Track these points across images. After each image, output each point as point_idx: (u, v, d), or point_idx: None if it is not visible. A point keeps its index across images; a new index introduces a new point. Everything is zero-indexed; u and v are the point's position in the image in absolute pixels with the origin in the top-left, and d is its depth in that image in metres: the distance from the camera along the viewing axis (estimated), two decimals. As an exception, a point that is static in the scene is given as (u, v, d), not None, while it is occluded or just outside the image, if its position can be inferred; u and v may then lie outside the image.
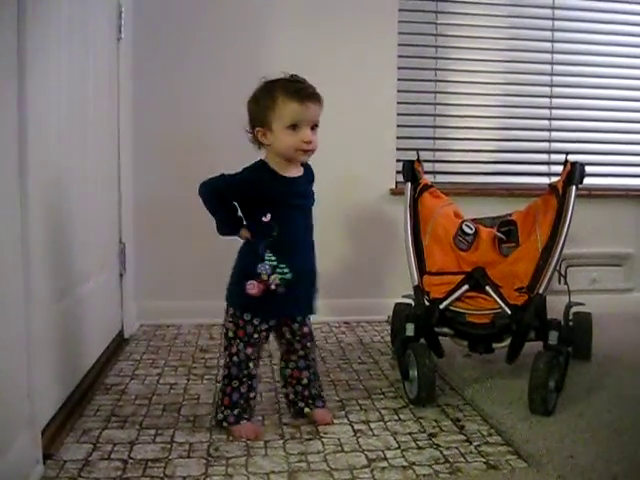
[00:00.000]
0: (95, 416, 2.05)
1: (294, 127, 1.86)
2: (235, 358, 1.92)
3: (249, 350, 1.92)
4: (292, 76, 1.92)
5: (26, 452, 1.59)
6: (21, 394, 1.59)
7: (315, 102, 1.89)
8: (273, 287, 1.88)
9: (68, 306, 2.13)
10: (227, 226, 1.97)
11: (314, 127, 1.90)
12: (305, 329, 2.02)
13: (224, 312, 1.97)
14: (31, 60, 1.61)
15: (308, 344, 2.03)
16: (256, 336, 1.92)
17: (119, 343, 2.88)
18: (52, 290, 1.96)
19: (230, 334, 1.93)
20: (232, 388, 1.92)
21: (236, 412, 1.92)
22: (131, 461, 1.73)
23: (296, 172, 1.96)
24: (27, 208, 1.59)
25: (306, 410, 2.03)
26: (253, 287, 1.87)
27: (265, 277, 1.87)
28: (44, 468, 1.66)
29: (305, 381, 2.03)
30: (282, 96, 1.85)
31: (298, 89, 1.87)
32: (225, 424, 1.92)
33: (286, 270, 1.89)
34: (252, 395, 1.95)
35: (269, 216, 1.89)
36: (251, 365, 1.93)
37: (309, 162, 2.02)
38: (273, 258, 1.88)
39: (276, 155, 1.91)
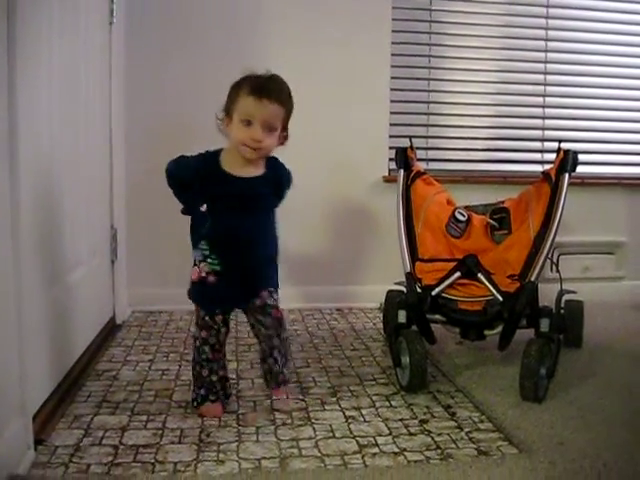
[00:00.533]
0: (86, 402, 2.04)
1: (248, 123, 1.86)
2: (197, 342, 1.98)
3: (203, 333, 1.96)
4: (272, 76, 1.92)
5: (17, 438, 1.58)
6: (12, 380, 1.58)
7: (274, 102, 1.86)
8: (203, 274, 1.92)
9: (59, 293, 2.13)
10: (184, 207, 1.98)
11: (272, 129, 1.88)
12: (268, 320, 1.97)
13: None
14: (21, 44, 1.59)
15: (270, 331, 1.98)
16: (207, 319, 1.94)
17: (111, 329, 2.87)
18: (43, 277, 1.95)
19: (194, 318, 2.01)
20: (196, 371, 1.98)
21: (202, 393, 1.97)
22: (122, 447, 1.73)
23: (251, 171, 1.93)
24: (17, 194, 1.57)
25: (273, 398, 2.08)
26: (194, 273, 1.94)
27: (197, 263, 1.93)
28: (35, 454, 1.66)
29: (266, 366, 2.03)
30: (244, 89, 1.87)
31: (261, 86, 1.86)
32: (195, 404, 1.98)
33: (216, 262, 1.91)
34: (214, 378, 1.97)
35: (205, 207, 1.91)
36: (207, 349, 1.96)
37: (286, 164, 2.02)
38: (206, 247, 1.92)
39: (233, 147, 1.92)
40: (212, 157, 1.93)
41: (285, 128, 1.95)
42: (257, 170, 1.95)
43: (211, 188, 1.90)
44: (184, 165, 1.94)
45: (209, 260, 1.91)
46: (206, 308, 1.95)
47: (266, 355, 2.01)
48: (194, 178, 1.91)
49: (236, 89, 1.89)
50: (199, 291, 1.95)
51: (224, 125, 1.94)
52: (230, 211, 1.91)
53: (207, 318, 1.94)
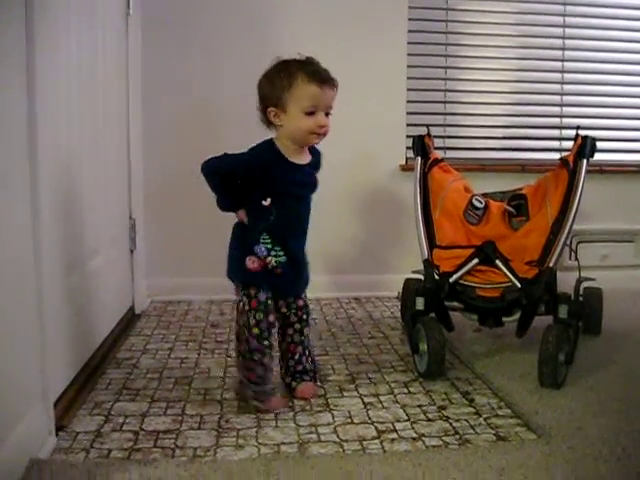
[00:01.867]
0: (107, 389, 2.06)
1: (310, 112, 1.84)
2: (255, 330, 1.87)
3: (271, 317, 1.90)
4: (308, 58, 1.89)
5: (39, 424, 1.61)
6: (33, 367, 1.60)
7: (332, 87, 1.88)
8: (270, 267, 1.89)
9: (79, 282, 2.15)
10: (226, 204, 1.96)
11: (329, 112, 1.89)
12: (300, 302, 2.03)
13: (234, 289, 1.97)
14: (39, 38, 1.61)
15: (304, 316, 2.04)
16: (270, 303, 1.91)
17: (130, 319, 2.90)
18: (63, 266, 1.97)
19: (246, 307, 1.89)
20: (254, 361, 1.88)
21: (268, 388, 1.91)
22: (142, 432, 1.75)
23: (304, 158, 1.95)
24: (37, 184, 1.60)
25: (293, 384, 2.04)
26: (253, 262, 1.89)
27: (262, 257, 1.89)
28: (57, 439, 1.68)
29: (297, 356, 2.04)
30: (302, 78, 1.83)
31: (317, 72, 1.85)
32: (257, 403, 1.90)
33: (280, 253, 1.90)
34: (272, 366, 1.95)
35: (269, 200, 1.88)
36: (272, 333, 1.91)
37: (319, 148, 2.01)
38: (268, 241, 1.89)
39: (287, 137, 1.89)
40: (269, 148, 1.90)
41: None
42: (308, 156, 1.96)
43: (277, 179, 1.88)
44: (236, 162, 1.89)
45: (273, 253, 1.89)
46: (272, 295, 1.93)
47: (294, 346, 2.04)
48: (254, 171, 1.87)
49: (286, 78, 1.84)
50: (265, 280, 1.90)
51: (273, 117, 1.88)
52: (294, 200, 1.93)
53: (270, 302, 1.91)
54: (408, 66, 3.40)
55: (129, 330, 2.73)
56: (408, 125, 3.40)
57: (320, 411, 1.91)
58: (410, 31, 3.39)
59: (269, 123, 1.91)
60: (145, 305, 3.13)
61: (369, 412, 1.90)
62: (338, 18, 3.30)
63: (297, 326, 2.03)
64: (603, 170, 3.45)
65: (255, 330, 1.87)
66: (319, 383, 2.10)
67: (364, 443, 1.70)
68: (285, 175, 1.90)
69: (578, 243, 3.28)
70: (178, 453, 1.63)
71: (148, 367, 2.27)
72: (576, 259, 2.64)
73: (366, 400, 2.00)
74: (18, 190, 1.52)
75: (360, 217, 3.43)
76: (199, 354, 2.42)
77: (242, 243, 1.92)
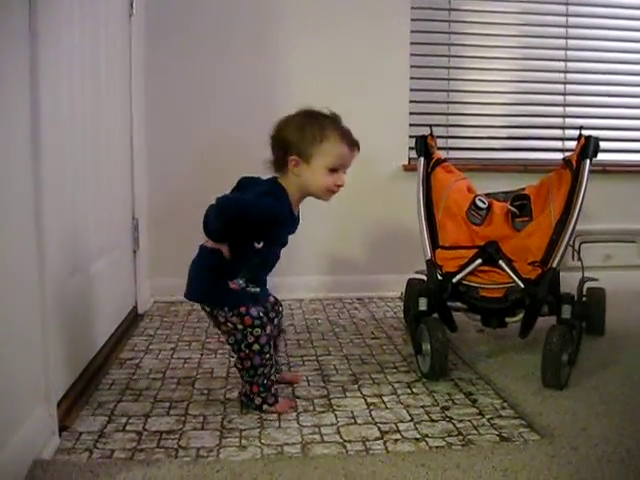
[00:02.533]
0: (110, 389, 2.06)
1: (334, 170, 1.86)
2: (256, 346, 1.85)
3: (268, 329, 1.88)
4: (334, 115, 1.90)
5: (42, 424, 1.61)
6: (36, 368, 1.60)
7: (357, 151, 1.91)
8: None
9: (82, 282, 2.15)
10: (220, 237, 1.86)
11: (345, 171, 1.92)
12: (271, 298, 2.06)
13: (210, 314, 1.93)
14: (43, 39, 1.61)
15: (280, 308, 2.07)
16: (262, 315, 1.89)
17: (133, 319, 2.90)
18: (66, 266, 1.97)
19: (240, 326, 1.85)
20: (259, 376, 1.88)
21: (273, 392, 1.91)
22: (145, 433, 1.74)
23: (297, 208, 1.96)
24: (40, 185, 1.60)
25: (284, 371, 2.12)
26: (234, 283, 1.88)
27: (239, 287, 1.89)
28: (60, 439, 1.68)
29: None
30: (334, 136, 1.84)
31: (349, 134, 1.88)
32: (266, 406, 1.89)
33: (256, 288, 1.93)
34: (274, 370, 1.95)
35: (262, 244, 1.86)
36: (269, 347, 1.88)
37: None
38: (244, 278, 1.89)
39: (299, 188, 1.89)
40: (285, 199, 1.87)
41: None
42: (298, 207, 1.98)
43: (282, 229, 1.90)
44: (256, 212, 1.82)
45: (248, 288, 1.90)
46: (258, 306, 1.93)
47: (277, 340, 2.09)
48: (262, 219, 1.83)
49: (318, 132, 1.83)
50: (244, 296, 1.89)
51: (293, 165, 1.85)
52: (280, 245, 1.95)
53: (262, 314, 1.89)
54: (411, 66, 3.40)
55: (132, 330, 2.73)
56: (411, 125, 3.40)
57: (323, 412, 1.91)
58: (413, 31, 3.39)
59: (283, 169, 1.88)
60: (148, 305, 3.13)
61: (372, 413, 1.90)
62: (341, 19, 3.30)
63: (275, 321, 2.05)
64: (606, 170, 3.45)
65: (255, 347, 1.86)
66: None
67: (367, 444, 1.70)
68: (288, 227, 1.93)
69: (581, 243, 3.27)
70: (181, 453, 1.63)
71: (151, 367, 2.27)
72: (579, 259, 2.63)
73: (369, 401, 2.00)
74: (21, 190, 1.52)
75: (363, 217, 3.42)
76: (202, 354, 2.42)
77: (219, 271, 1.88)
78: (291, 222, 1.93)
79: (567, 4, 3.58)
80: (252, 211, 1.81)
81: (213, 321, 1.93)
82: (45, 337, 1.63)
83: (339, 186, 1.88)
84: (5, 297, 1.42)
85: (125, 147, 2.89)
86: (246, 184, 1.95)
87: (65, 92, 1.98)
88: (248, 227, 1.82)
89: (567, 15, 3.58)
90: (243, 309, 1.86)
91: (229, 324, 1.87)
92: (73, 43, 2.06)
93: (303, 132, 1.84)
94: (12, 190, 1.47)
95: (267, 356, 1.88)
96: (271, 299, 2.05)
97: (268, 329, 1.88)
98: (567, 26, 3.59)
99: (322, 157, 1.83)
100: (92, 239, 2.29)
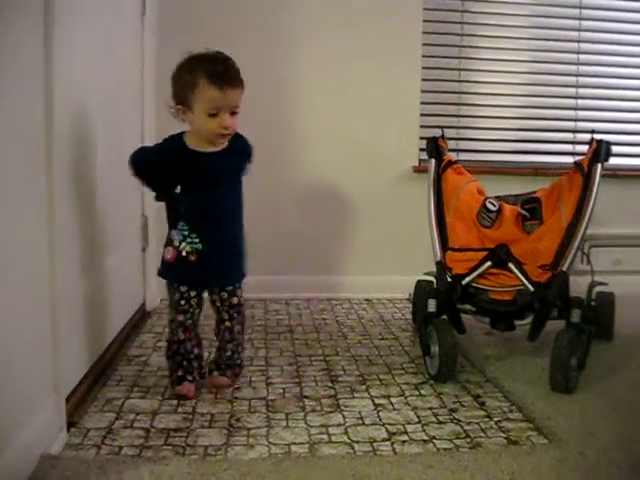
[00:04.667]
0: (118, 386, 2.07)
1: (213, 114, 1.88)
2: (172, 325, 2.00)
3: (180, 317, 1.98)
4: (216, 54, 1.92)
5: (50, 419, 1.61)
6: (46, 363, 1.61)
7: (235, 87, 1.90)
8: (184, 254, 1.93)
9: (92, 279, 2.15)
10: (156, 194, 2.02)
11: (236, 111, 1.92)
12: (234, 300, 2.06)
13: None
14: (57, 37, 1.61)
15: (235, 315, 2.07)
16: (183, 303, 1.96)
17: (141, 316, 2.90)
18: (77, 263, 1.98)
19: (168, 300, 2.02)
20: (171, 352, 2.01)
21: (179, 373, 1.99)
22: (153, 430, 1.75)
23: (214, 147, 1.97)
24: (52, 182, 1.60)
25: (214, 374, 2.10)
26: (168, 252, 1.96)
27: (177, 244, 1.94)
28: (68, 435, 1.68)
29: (228, 353, 2.10)
30: (203, 80, 1.86)
31: (219, 74, 1.87)
32: (172, 386, 2.01)
33: (196, 240, 1.94)
34: (189, 357, 2.00)
35: (179, 188, 1.94)
36: (180, 332, 1.98)
37: (243, 134, 2.04)
38: (185, 227, 1.94)
39: (195, 131, 1.95)
40: (176, 139, 1.97)
41: None
42: (221, 145, 1.98)
43: (182, 168, 1.93)
44: (149, 152, 2.03)
45: (189, 240, 1.94)
46: (187, 285, 1.98)
47: (225, 343, 2.10)
48: (161, 162, 1.94)
49: (190, 78, 1.88)
50: (178, 271, 1.97)
51: (180, 114, 1.94)
52: (203, 187, 1.96)
53: (183, 301, 1.97)
54: (422, 67, 3.39)
55: (140, 327, 2.74)
56: (421, 127, 3.40)
57: (331, 412, 1.91)
58: (425, 32, 3.38)
59: (181, 119, 1.97)
60: (156, 303, 3.13)
61: (380, 414, 1.90)
62: (352, 18, 3.30)
63: (227, 324, 2.08)
64: (617, 174, 3.43)
65: (171, 325, 2.01)
66: (233, 378, 2.12)
67: (375, 445, 1.69)
68: (191, 164, 1.94)
69: (590, 247, 3.26)
70: (189, 451, 1.63)
71: (159, 365, 2.26)
72: (589, 263, 2.62)
73: (377, 401, 1.99)
74: (34, 187, 1.53)
75: (373, 218, 3.42)
76: (209, 352, 2.40)
77: (167, 235, 2.00)
78: (199, 161, 1.95)
79: (580, 7, 3.56)
80: (143, 155, 2.01)
81: None
82: (55, 333, 1.63)
83: (225, 128, 1.89)
84: (16, 293, 1.42)
85: (135, 144, 2.88)
86: None
87: (79, 92, 1.99)
88: (154, 172, 1.97)
89: (580, 19, 3.57)
90: (171, 288, 1.99)
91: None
92: (86, 42, 2.06)
93: (180, 81, 1.93)
94: (25, 187, 1.47)
95: (175, 339, 1.99)
96: (234, 300, 2.06)
97: (181, 317, 1.97)
98: (580, 30, 3.58)
99: (198, 104, 1.88)
100: (102, 237, 2.29)
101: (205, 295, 2.05)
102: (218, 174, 1.98)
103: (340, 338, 2.66)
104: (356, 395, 2.04)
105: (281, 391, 2.06)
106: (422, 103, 3.42)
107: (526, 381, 2.12)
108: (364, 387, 2.11)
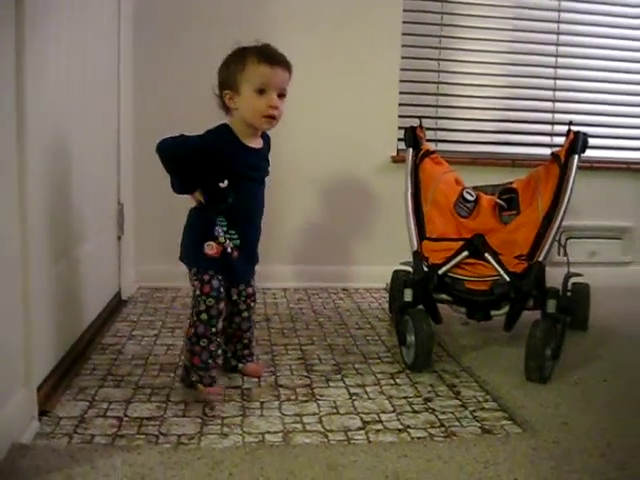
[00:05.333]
0: (91, 375, 2.05)
1: (262, 91, 1.85)
2: (204, 316, 1.87)
3: (222, 305, 1.90)
4: (264, 44, 1.91)
5: (21, 408, 1.59)
6: (17, 352, 1.58)
7: (284, 69, 1.88)
8: (229, 250, 1.91)
9: (65, 267, 2.12)
10: (182, 186, 1.94)
11: (281, 95, 1.89)
12: (250, 290, 2.06)
13: (188, 274, 1.96)
14: (29, 23, 1.58)
15: (252, 304, 2.07)
16: (222, 290, 1.91)
17: (117, 305, 2.88)
18: (50, 251, 1.95)
19: (197, 292, 1.89)
20: (201, 347, 1.88)
21: (213, 374, 1.91)
22: (126, 419, 1.73)
23: (257, 143, 1.96)
24: (25, 169, 1.57)
25: (239, 366, 2.08)
26: (212, 248, 1.90)
27: (222, 240, 1.90)
28: (39, 424, 1.66)
29: (246, 341, 2.09)
30: (252, 59, 1.85)
31: (269, 54, 1.87)
32: (201, 387, 1.89)
33: (235, 236, 1.92)
34: (220, 353, 1.94)
35: (226, 182, 1.88)
36: (220, 321, 1.92)
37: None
38: (224, 223, 1.91)
39: (241, 121, 1.91)
40: (225, 130, 1.91)
41: None
42: (259, 142, 1.98)
43: (233, 161, 1.89)
44: (192, 141, 1.86)
45: (228, 236, 1.91)
46: (230, 281, 1.97)
47: (241, 332, 2.08)
48: (205, 153, 1.85)
49: (239, 61, 1.87)
50: (220, 265, 1.90)
51: (228, 99, 1.91)
52: (250, 183, 1.94)
53: (222, 289, 1.91)
54: (401, 57, 3.38)
55: (115, 316, 2.71)
56: (400, 116, 3.39)
57: (306, 401, 1.90)
58: (404, 22, 3.37)
59: (226, 108, 1.94)
60: (132, 291, 3.11)
61: (355, 403, 1.90)
62: (331, 8, 3.28)
63: (245, 314, 2.06)
64: (593, 167, 3.45)
65: (204, 316, 1.88)
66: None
67: (349, 433, 1.69)
68: (240, 158, 1.91)
69: (567, 239, 3.27)
70: (162, 440, 1.62)
71: (133, 353, 2.25)
72: (565, 254, 2.63)
73: (352, 391, 1.99)
74: (6, 175, 1.50)
75: (350, 208, 3.42)
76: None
77: (200, 227, 1.94)
78: (245, 154, 1.92)
79: (559, 10, 3.58)
80: (186, 144, 1.86)
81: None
82: (27, 321, 1.61)
83: (272, 107, 1.86)
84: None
85: (112, 131, 2.86)
86: None
87: (52, 76, 1.95)
88: (193, 163, 1.87)
89: (559, 10, 3.58)
90: (207, 277, 1.89)
91: (192, 286, 1.93)
92: (59, 25, 2.02)
93: (228, 68, 1.91)
94: (-4, 172, 1.45)
95: (213, 330, 1.89)
96: (249, 290, 2.06)
97: (221, 305, 1.90)
98: (559, 21, 3.59)
99: (247, 83, 1.86)
100: (76, 224, 2.26)
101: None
102: (261, 170, 1.99)
103: (316, 327, 2.66)
104: (331, 384, 2.04)
105: (256, 380, 2.05)
106: (401, 93, 3.41)
107: (501, 371, 2.13)
108: (339, 376, 2.11)
